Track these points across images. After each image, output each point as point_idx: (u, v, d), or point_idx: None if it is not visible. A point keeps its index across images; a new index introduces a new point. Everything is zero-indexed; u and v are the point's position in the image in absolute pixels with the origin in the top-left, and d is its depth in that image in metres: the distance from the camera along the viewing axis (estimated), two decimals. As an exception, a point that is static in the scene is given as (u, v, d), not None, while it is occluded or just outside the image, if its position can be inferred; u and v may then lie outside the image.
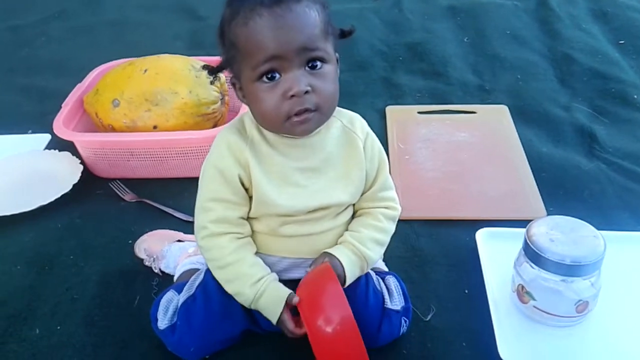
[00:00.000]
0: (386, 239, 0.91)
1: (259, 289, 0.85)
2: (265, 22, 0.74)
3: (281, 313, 0.85)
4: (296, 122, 0.79)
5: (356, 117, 0.91)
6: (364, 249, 0.87)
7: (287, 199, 0.84)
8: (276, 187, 0.84)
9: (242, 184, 0.84)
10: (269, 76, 0.77)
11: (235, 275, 0.86)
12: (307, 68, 0.77)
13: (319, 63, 0.78)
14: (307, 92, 0.77)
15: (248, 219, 0.88)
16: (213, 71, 0.86)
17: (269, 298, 0.85)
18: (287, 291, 0.85)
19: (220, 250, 0.86)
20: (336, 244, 0.89)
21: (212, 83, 0.85)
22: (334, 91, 0.81)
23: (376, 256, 0.90)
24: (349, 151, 0.87)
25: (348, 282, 0.86)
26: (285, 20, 0.74)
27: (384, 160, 0.91)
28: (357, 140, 0.88)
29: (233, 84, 0.84)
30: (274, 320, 0.86)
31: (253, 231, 0.89)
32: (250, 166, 0.83)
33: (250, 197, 0.86)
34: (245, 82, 0.80)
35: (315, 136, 0.85)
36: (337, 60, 0.83)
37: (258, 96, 0.78)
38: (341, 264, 0.85)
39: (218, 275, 0.88)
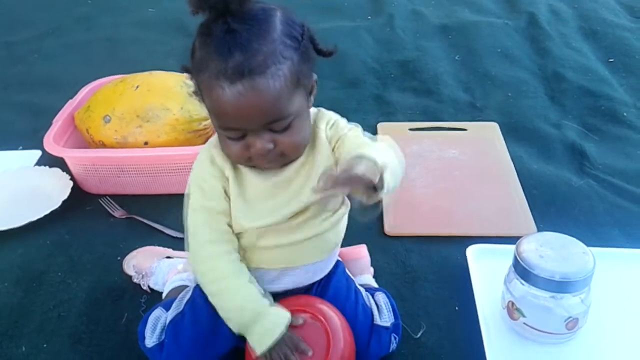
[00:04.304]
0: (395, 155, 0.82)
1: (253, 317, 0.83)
2: (227, 98, 0.71)
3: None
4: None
5: (324, 115, 0.86)
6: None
7: (259, 217, 0.84)
8: (249, 208, 0.84)
9: (226, 193, 0.85)
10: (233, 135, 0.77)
11: (230, 305, 0.85)
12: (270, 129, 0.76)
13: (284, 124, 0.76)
14: (270, 148, 0.77)
15: None
16: (188, 70, 0.80)
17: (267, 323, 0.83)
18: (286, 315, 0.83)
19: (214, 273, 0.85)
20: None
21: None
22: (301, 139, 0.80)
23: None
24: (316, 148, 0.85)
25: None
26: (246, 99, 0.71)
27: (344, 126, 0.85)
28: (320, 132, 0.85)
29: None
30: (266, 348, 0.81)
31: None
32: (229, 182, 0.84)
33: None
34: (210, 118, 0.80)
35: None
36: (315, 82, 0.81)
37: (223, 140, 0.80)
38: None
39: (212, 300, 0.87)
